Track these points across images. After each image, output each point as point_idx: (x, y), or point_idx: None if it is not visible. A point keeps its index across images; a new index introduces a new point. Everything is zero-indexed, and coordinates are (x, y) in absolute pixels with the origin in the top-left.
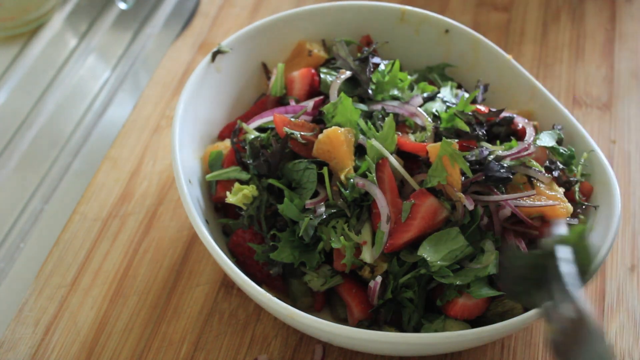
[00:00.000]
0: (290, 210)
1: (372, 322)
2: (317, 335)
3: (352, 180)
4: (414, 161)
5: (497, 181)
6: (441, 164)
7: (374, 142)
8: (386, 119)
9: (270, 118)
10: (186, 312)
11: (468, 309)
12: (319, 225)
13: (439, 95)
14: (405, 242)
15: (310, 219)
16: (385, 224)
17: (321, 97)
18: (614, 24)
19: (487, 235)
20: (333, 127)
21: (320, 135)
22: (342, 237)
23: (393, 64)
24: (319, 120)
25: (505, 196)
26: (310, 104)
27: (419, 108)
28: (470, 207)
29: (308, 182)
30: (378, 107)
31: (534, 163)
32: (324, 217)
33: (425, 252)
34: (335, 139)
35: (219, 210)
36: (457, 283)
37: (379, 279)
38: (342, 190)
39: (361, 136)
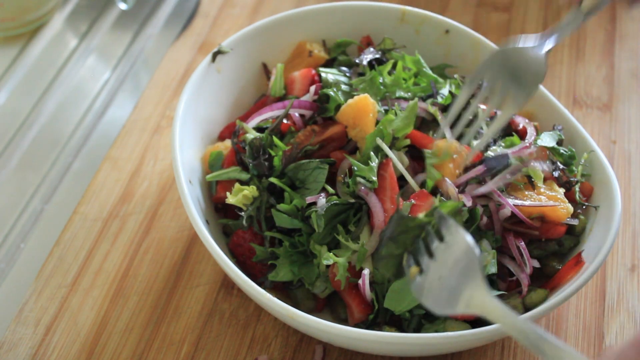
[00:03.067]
0: (283, 219)
1: (372, 322)
2: (318, 336)
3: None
4: (419, 161)
5: (497, 170)
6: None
7: (380, 142)
8: (410, 102)
9: (269, 114)
10: (186, 312)
11: None
12: (312, 242)
13: (442, 91)
14: None
15: (316, 211)
16: (377, 237)
17: (320, 84)
18: (614, 24)
19: (485, 236)
20: (364, 95)
21: (350, 100)
22: (332, 254)
23: (395, 64)
24: (322, 109)
25: (495, 180)
26: (312, 89)
27: (432, 106)
28: (469, 203)
29: (314, 182)
30: (392, 103)
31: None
32: (327, 206)
33: (390, 304)
34: (365, 107)
35: (219, 210)
36: None
37: (366, 271)
38: (347, 181)
39: None
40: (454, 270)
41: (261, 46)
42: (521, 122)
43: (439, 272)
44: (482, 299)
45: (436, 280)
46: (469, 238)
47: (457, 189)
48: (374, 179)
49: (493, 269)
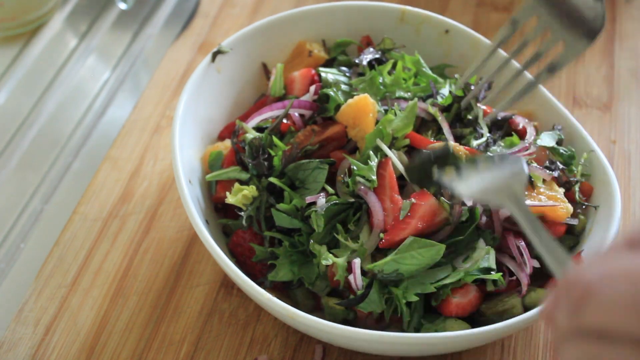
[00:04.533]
0: (283, 219)
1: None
2: (318, 336)
3: (356, 176)
4: None
5: None
6: None
7: (379, 142)
8: (410, 102)
9: (268, 114)
10: (186, 312)
11: (462, 306)
12: (312, 242)
13: (442, 91)
14: (401, 239)
15: (315, 211)
16: (377, 236)
17: (320, 83)
18: (614, 24)
19: (483, 235)
20: (364, 95)
21: (350, 100)
22: (331, 254)
23: (395, 64)
24: (322, 109)
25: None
26: (311, 89)
27: (432, 107)
28: (469, 203)
29: (314, 182)
30: (391, 103)
31: (535, 163)
32: (327, 206)
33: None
34: (365, 107)
35: (219, 210)
36: (449, 282)
37: (357, 260)
38: (347, 180)
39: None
40: (497, 175)
41: (261, 46)
42: (521, 122)
43: (479, 173)
44: (518, 196)
45: (474, 176)
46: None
47: None
48: (374, 177)
49: (485, 263)
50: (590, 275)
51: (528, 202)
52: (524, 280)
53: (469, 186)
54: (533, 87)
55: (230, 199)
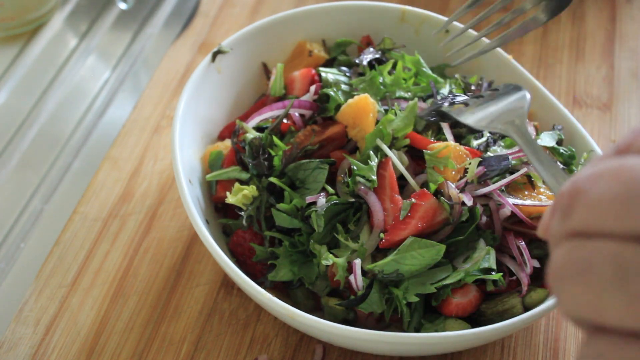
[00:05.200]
0: (283, 219)
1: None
2: (318, 336)
3: (356, 176)
4: (419, 161)
5: (498, 172)
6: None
7: (379, 142)
8: (410, 102)
9: (268, 114)
10: (186, 312)
11: (462, 306)
12: (312, 242)
13: (442, 91)
14: (401, 239)
15: (316, 211)
16: (377, 236)
17: (320, 83)
18: (614, 24)
19: (483, 235)
20: (364, 95)
21: (350, 100)
22: (332, 254)
23: (395, 64)
24: (322, 109)
25: (500, 183)
26: (312, 89)
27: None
28: (469, 202)
29: (314, 182)
30: (391, 103)
31: None
32: (327, 206)
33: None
34: (365, 107)
35: (219, 210)
36: (449, 282)
37: (357, 260)
38: (347, 180)
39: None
40: (502, 106)
41: (261, 46)
42: None
43: (485, 105)
44: (520, 125)
45: (481, 109)
46: (523, 92)
47: (458, 191)
48: (374, 177)
49: (486, 264)
50: (579, 178)
51: (528, 202)
52: (524, 280)
53: (476, 117)
54: (496, 45)
55: (231, 198)
